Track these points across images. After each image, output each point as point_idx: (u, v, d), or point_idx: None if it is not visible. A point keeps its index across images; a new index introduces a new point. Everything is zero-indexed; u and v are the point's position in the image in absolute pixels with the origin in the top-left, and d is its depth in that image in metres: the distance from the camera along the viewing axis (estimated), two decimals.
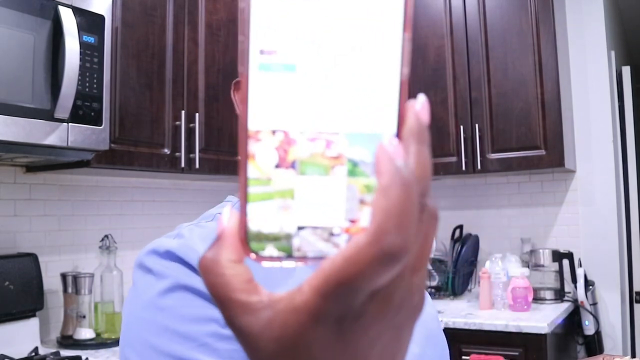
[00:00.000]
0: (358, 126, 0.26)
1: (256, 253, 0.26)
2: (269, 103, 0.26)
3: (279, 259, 0.26)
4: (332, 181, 0.26)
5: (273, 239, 0.26)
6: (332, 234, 0.26)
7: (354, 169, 0.26)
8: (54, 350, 1.73)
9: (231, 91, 0.77)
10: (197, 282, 0.52)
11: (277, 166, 0.26)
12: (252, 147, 0.26)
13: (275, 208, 0.26)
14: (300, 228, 0.26)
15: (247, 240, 0.26)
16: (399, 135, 0.26)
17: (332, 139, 0.26)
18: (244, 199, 0.26)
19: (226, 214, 0.26)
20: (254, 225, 0.26)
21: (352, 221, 0.26)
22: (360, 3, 0.26)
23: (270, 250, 0.26)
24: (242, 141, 0.26)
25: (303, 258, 0.26)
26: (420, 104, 0.26)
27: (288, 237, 0.26)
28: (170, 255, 0.55)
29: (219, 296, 0.25)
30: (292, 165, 0.26)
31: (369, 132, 0.26)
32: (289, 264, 0.26)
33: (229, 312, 0.25)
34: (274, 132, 0.26)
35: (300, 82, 0.26)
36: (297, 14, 0.26)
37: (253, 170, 0.26)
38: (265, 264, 0.26)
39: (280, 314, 0.24)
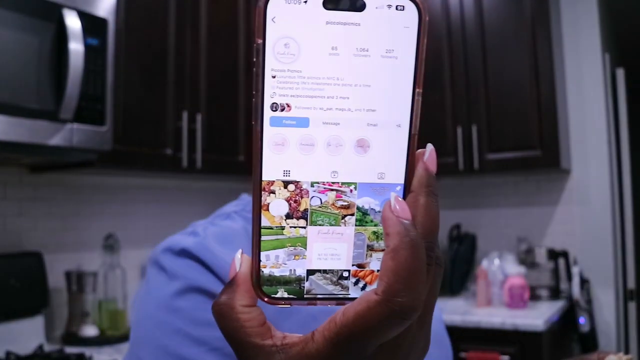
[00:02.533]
0: (368, 177, 0.28)
1: (268, 296, 0.27)
2: (281, 156, 0.27)
3: (290, 301, 0.28)
4: (342, 229, 0.28)
5: (284, 282, 0.27)
6: (341, 277, 0.28)
7: (363, 218, 0.28)
8: (58, 347, 1.75)
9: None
10: (211, 283, 0.52)
11: (289, 216, 0.27)
12: (265, 198, 0.27)
13: (286, 255, 0.27)
14: (310, 272, 0.28)
15: (260, 284, 0.27)
16: (407, 186, 0.28)
17: (342, 189, 0.27)
18: (257, 247, 0.27)
19: (238, 259, 0.27)
20: (266, 270, 0.27)
21: (360, 265, 0.28)
22: (371, 60, 0.27)
23: (282, 293, 0.27)
24: (255, 192, 0.27)
25: (313, 300, 0.28)
26: (428, 154, 0.27)
27: (299, 280, 0.28)
28: (186, 254, 0.54)
29: (235, 340, 0.26)
30: (304, 215, 0.27)
31: (379, 183, 0.28)
32: (299, 305, 0.28)
33: (244, 355, 0.26)
34: (286, 183, 0.27)
35: (312, 135, 0.27)
36: (310, 71, 0.26)
37: (266, 220, 0.27)
38: (277, 306, 0.28)
39: (293, 359, 0.25)
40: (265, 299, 0.27)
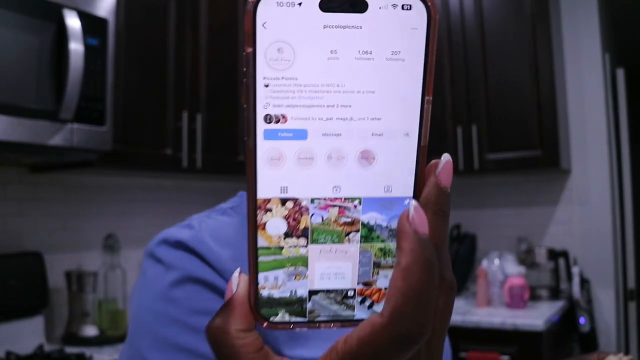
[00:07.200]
0: (373, 191, 0.25)
1: (267, 320, 0.25)
2: (278, 172, 0.25)
3: (291, 324, 0.26)
4: (346, 247, 0.26)
5: (285, 304, 0.26)
6: (345, 297, 0.26)
7: (369, 234, 0.26)
8: (58, 347, 1.75)
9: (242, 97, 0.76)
10: (207, 274, 0.53)
11: (288, 235, 0.25)
12: (261, 217, 0.25)
13: (286, 275, 0.25)
14: (312, 293, 0.26)
15: (258, 307, 0.25)
16: (417, 200, 0.25)
17: (346, 205, 0.25)
18: (254, 268, 0.25)
19: (235, 278, 0.25)
20: (265, 292, 0.25)
21: (367, 283, 0.26)
22: (375, 63, 0.24)
23: (282, 315, 0.26)
24: (250, 211, 0.25)
25: (316, 322, 0.26)
26: (442, 166, 0.25)
27: (301, 301, 0.26)
28: (181, 246, 0.54)
29: None
30: (304, 234, 0.25)
31: (386, 197, 0.25)
32: (301, 328, 0.26)
33: None
34: (283, 201, 0.25)
35: (311, 148, 0.25)
36: (307, 77, 0.24)
37: (262, 240, 0.25)
38: (278, 329, 0.26)
39: None
40: (265, 324, 0.26)
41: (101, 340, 1.87)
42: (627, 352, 2.72)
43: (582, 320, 2.39)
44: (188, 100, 2.11)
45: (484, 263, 2.43)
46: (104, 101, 1.69)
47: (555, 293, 2.47)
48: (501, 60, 2.47)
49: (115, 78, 1.75)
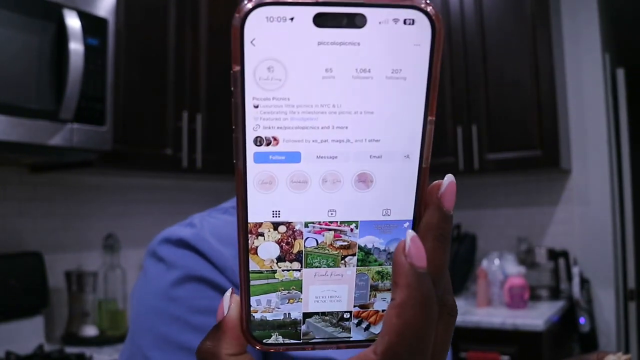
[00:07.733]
0: (371, 214, 0.25)
1: (260, 342, 0.25)
2: (270, 196, 0.24)
3: (285, 345, 0.25)
4: (342, 270, 0.25)
5: (278, 326, 0.25)
6: (341, 319, 0.25)
7: (366, 258, 0.25)
8: (58, 347, 1.75)
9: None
10: (209, 273, 0.53)
11: (281, 259, 0.25)
12: (253, 241, 0.24)
13: (279, 298, 0.25)
14: (307, 315, 0.25)
15: (250, 329, 0.25)
16: (416, 224, 0.25)
17: (341, 228, 0.25)
18: (246, 292, 0.25)
19: (227, 298, 0.25)
20: (257, 315, 0.25)
21: (363, 306, 0.26)
22: (374, 82, 0.23)
23: (276, 337, 0.25)
24: (241, 235, 0.24)
25: (311, 343, 0.25)
26: (445, 188, 0.23)
27: (295, 324, 0.25)
28: (183, 244, 0.54)
29: None
30: (298, 257, 0.25)
31: (384, 220, 0.25)
32: (295, 350, 0.25)
33: None
34: (276, 225, 0.24)
35: (305, 171, 0.24)
36: (300, 97, 0.23)
37: (254, 264, 0.25)
38: (271, 351, 0.25)
39: None
40: (257, 347, 0.25)
41: (101, 340, 1.87)
42: (627, 352, 2.72)
43: (582, 320, 2.39)
44: (188, 100, 2.11)
45: (484, 263, 2.43)
46: (104, 101, 1.69)
47: (555, 293, 2.47)
48: (501, 60, 2.47)
49: (115, 78, 1.75)
